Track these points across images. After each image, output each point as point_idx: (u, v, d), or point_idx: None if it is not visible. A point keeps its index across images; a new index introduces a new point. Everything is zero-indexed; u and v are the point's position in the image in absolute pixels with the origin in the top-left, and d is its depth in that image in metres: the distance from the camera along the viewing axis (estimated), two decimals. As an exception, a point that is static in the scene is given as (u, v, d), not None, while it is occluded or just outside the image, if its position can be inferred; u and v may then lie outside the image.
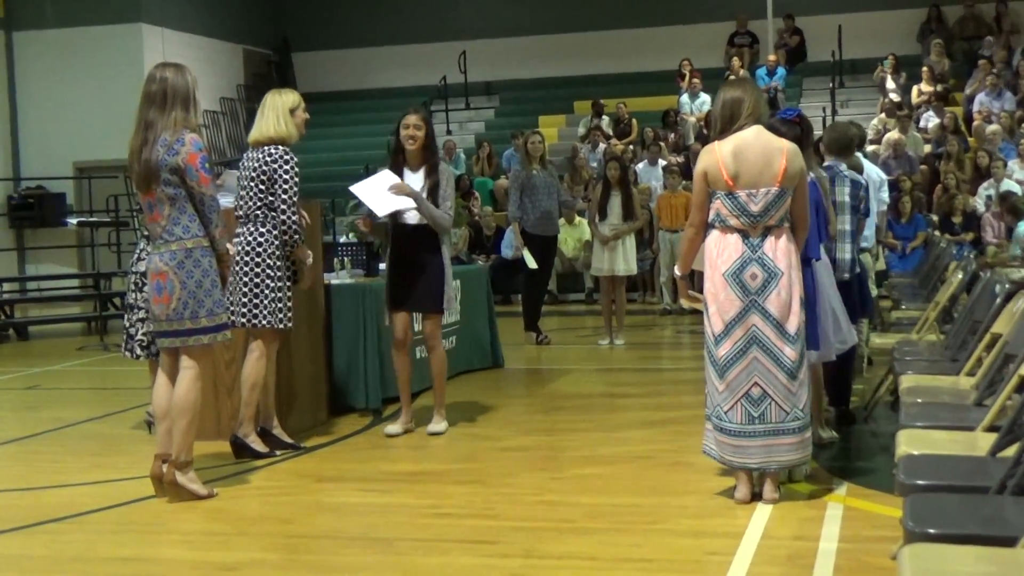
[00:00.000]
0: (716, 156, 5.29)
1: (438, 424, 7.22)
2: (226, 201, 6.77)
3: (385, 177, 7.03)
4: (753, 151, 5.25)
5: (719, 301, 5.28)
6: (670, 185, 14.77)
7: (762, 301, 5.22)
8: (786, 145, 5.32)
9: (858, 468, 6.07)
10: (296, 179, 6.50)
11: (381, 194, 6.96)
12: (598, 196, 11.46)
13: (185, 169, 5.59)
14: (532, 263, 11.37)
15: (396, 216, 6.99)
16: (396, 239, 7.07)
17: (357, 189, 7.09)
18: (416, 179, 7.02)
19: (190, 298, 5.63)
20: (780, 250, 5.25)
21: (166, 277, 5.63)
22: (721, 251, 5.29)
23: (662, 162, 16.98)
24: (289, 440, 6.88)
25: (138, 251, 7.58)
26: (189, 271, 5.63)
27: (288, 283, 6.63)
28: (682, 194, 14.26)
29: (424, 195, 6.95)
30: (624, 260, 11.41)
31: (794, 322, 5.26)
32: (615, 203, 11.34)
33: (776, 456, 5.29)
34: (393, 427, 7.16)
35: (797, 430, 5.29)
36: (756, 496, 5.36)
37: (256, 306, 6.50)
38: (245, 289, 6.50)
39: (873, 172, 9.26)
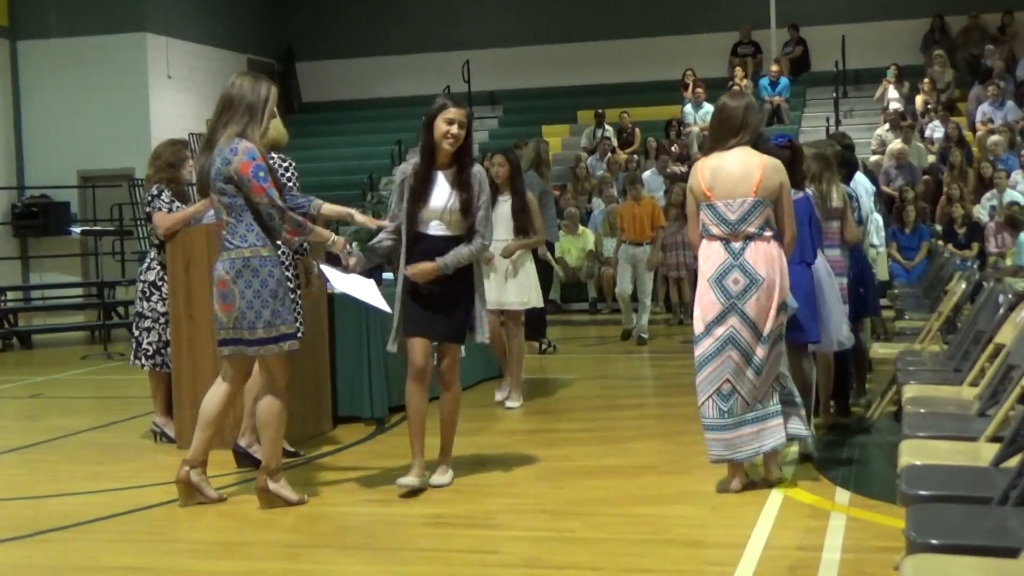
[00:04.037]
0: (697, 172, 5.74)
1: (443, 475, 6.14)
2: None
3: (368, 288, 5.98)
4: (731, 165, 5.65)
5: (703, 305, 5.66)
6: (632, 195, 12.67)
7: (742, 305, 5.57)
8: (765, 160, 5.71)
9: (861, 478, 6.06)
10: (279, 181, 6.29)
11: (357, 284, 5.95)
12: None
13: (238, 179, 5.57)
14: (562, 274, 11.39)
15: (415, 223, 5.87)
16: (416, 252, 5.85)
17: (333, 277, 5.94)
18: (442, 190, 5.86)
19: (247, 308, 5.61)
20: (761, 257, 5.58)
21: (227, 285, 5.63)
22: (707, 258, 5.68)
23: (657, 171, 16.94)
24: (291, 448, 6.88)
25: (148, 260, 7.60)
26: (247, 281, 5.61)
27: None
28: (647, 203, 12.70)
29: (452, 209, 5.84)
30: (514, 289, 8.50)
31: (769, 325, 5.60)
32: (503, 211, 8.31)
33: (757, 443, 5.65)
34: (407, 479, 5.94)
35: (762, 418, 5.65)
36: (751, 484, 5.69)
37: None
38: None
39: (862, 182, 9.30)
